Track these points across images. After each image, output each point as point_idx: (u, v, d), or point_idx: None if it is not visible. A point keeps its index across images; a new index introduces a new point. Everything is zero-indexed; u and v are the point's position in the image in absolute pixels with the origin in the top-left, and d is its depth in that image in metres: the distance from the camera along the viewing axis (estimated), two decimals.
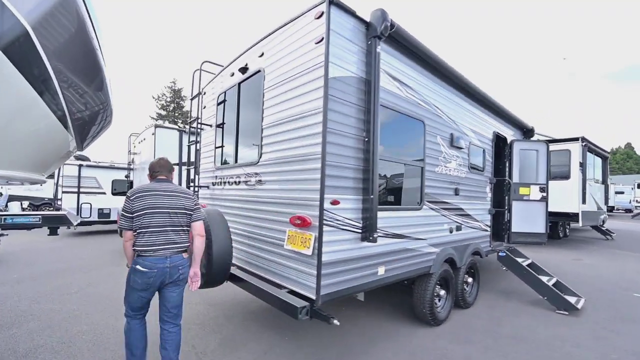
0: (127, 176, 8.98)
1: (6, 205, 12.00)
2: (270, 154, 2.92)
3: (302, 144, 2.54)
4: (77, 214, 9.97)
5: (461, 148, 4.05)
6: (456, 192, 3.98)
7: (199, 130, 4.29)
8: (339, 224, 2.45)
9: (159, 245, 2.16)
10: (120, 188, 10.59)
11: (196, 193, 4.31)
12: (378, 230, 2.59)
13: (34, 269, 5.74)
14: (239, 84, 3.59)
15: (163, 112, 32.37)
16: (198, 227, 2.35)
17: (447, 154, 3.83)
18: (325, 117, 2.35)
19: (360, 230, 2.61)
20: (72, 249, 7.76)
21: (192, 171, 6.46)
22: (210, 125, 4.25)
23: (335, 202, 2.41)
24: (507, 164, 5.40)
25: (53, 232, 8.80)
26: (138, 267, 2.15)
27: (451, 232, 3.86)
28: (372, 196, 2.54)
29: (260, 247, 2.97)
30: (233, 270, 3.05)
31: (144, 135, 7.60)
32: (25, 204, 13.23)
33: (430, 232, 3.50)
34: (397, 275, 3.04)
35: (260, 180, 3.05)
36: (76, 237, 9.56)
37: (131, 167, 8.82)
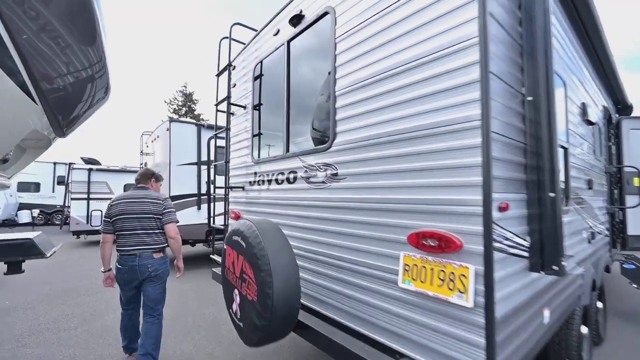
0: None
1: (16, 215, 11.38)
2: (353, 133, 1.85)
3: (431, 107, 1.46)
4: (87, 222, 9.18)
5: (592, 124, 2.91)
6: (589, 184, 2.83)
7: (230, 113, 3.26)
8: (509, 246, 1.37)
9: (130, 246, 2.46)
10: None
11: (226, 196, 3.30)
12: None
13: (31, 293, 4.85)
14: (288, 42, 2.54)
15: (175, 117, 32.08)
16: (168, 230, 2.57)
17: (581, 130, 2.69)
18: (485, 53, 1.27)
19: (527, 254, 1.52)
20: (80, 264, 6.90)
21: (212, 170, 5.49)
22: (244, 107, 3.22)
23: (504, 208, 1.33)
24: (613, 148, 4.20)
25: (14, 269, 6.95)
26: (116, 264, 2.52)
27: (589, 241, 2.73)
28: (551, 194, 1.45)
29: (339, 279, 1.91)
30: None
31: (158, 132, 6.69)
32: (36, 212, 12.65)
33: (577, 245, 2.38)
34: (558, 318, 1.93)
35: (335, 175, 1.99)
36: (86, 248, 8.76)
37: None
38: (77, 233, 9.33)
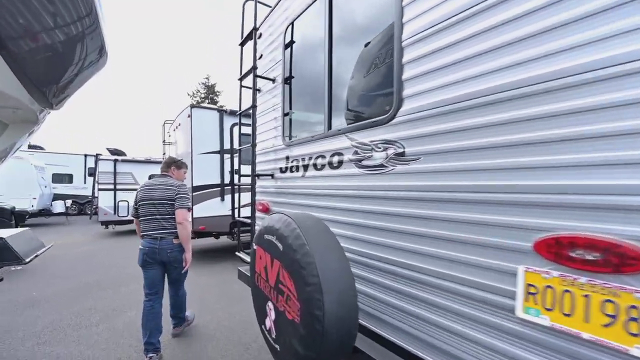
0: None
1: (51, 204, 11.78)
2: (431, 96, 1.32)
3: (587, 38, 0.91)
4: (115, 213, 9.25)
5: None
6: None
7: (256, 90, 2.81)
8: None
9: (151, 230, 2.63)
10: None
11: (252, 185, 2.88)
12: None
13: (57, 284, 4.76)
14: None
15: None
16: (177, 215, 2.64)
17: None
18: None
19: None
20: (107, 254, 6.87)
21: (236, 159, 5.13)
22: (272, 80, 2.76)
23: None
24: None
25: None
26: (139, 246, 2.70)
27: None
28: None
29: (407, 294, 1.42)
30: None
31: (179, 120, 6.42)
32: (69, 202, 13.09)
33: None
34: None
35: (400, 155, 1.48)
36: (114, 239, 8.84)
37: None
38: (106, 223, 9.46)
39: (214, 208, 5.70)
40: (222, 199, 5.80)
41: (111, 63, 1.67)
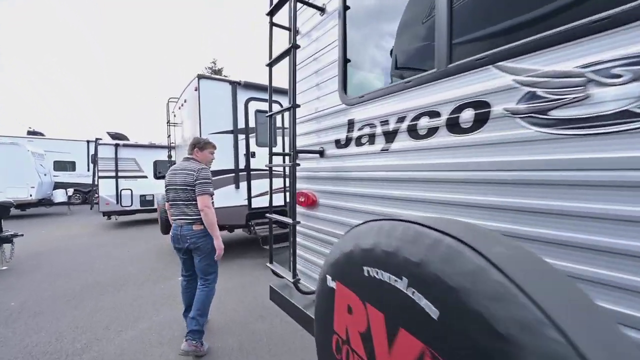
0: (169, 156, 7.15)
1: (51, 194, 11.15)
2: None
3: None
4: (117, 202, 8.53)
5: None
6: None
7: (294, 32, 1.88)
8: None
9: (176, 216, 2.52)
10: (165, 170, 8.93)
11: (292, 168, 2.01)
12: None
13: (46, 287, 4.03)
14: None
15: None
16: (199, 202, 2.44)
17: None
18: None
19: None
20: (108, 249, 6.15)
21: (252, 140, 4.25)
22: (321, 10, 1.83)
23: None
24: None
25: None
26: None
27: None
28: None
29: None
30: None
31: (185, 96, 5.53)
32: (71, 191, 12.47)
33: None
34: None
35: None
36: (117, 230, 8.15)
37: (172, 144, 6.94)
38: (108, 214, 8.75)
39: (228, 197, 4.87)
40: (237, 187, 4.96)
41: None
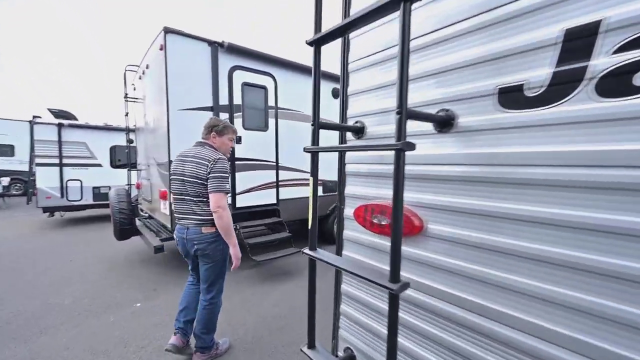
0: (129, 140, 5.76)
1: None
2: None
3: None
4: (62, 196, 6.97)
5: None
6: None
7: None
8: None
9: (181, 213, 2.07)
10: (125, 158, 7.41)
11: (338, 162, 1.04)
12: None
13: None
14: None
15: None
16: (211, 200, 1.94)
17: None
18: None
19: None
20: (42, 258, 4.77)
21: (237, 121, 3.21)
22: None
23: None
24: None
25: None
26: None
27: None
28: None
29: None
30: None
31: (147, 60, 4.25)
32: (6, 180, 10.44)
33: None
34: None
35: None
36: (60, 231, 6.60)
37: (133, 125, 5.57)
38: (50, 210, 7.16)
39: None
40: None
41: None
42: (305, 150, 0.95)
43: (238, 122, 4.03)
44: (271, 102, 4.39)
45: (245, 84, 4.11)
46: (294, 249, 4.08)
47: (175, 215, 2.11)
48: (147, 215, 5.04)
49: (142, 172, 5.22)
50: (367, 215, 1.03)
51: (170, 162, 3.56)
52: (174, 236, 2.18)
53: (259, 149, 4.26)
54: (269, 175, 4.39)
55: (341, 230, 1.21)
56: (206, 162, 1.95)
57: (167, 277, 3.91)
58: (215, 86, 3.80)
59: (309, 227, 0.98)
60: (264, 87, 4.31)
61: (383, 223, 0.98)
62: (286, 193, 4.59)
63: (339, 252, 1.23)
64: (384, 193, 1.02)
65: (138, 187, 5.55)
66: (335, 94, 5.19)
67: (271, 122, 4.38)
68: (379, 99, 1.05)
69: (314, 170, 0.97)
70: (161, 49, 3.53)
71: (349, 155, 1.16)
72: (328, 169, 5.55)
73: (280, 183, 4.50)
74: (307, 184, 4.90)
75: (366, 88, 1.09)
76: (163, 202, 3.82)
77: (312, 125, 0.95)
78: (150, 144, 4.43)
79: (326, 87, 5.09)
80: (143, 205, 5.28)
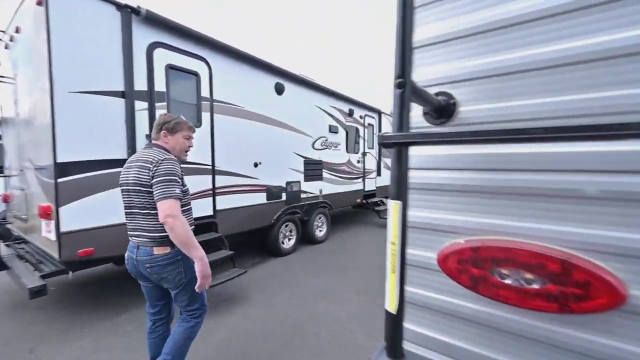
0: None
1: None
2: None
3: None
4: None
5: None
6: None
7: None
8: None
9: (131, 230, 1.75)
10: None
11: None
12: None
13: None
14: None
15: None
16: (159, 210, 1.59)
17: None
18: None
19: None
20: None
21: (158, 113, 2.46)
22: None
23: None
24: None
25: None
26: None
27: None
28: None
29: None
30: None
31: (18, 21, 3.02)
32: None
33: None
34: None
35: None
36: None
37: None
38: None
39: (108, 210, 2.77)
40: None
41: None
42: (383, 143, 0.47)
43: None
44: (205, 93, 3.61)
45: (172, 68, 3.27)
46: (238, 269, 3.39)
47: (128, 232, 1.78)
48: (20, 239, 3.64)
49: (13, 179, 3.77)
50: (478, 265, 0.58)
51: (56, 165, 2.52)
52: (126, 254, 1.82)
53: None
54: (203, 182, 3.60)
55: (401, 293, 0.70)
56: (149, 165, 1.63)
57: (58, 326, 2.79)
58: (128, 65, 2.87)
59: (389, 286, 0.49)
60: (195, 74, 3.51)
61: (532, 286, 0.53)
62: (225, 202, 3.85)
63: (395, 335, 0.72)
64: (505, 224, 0.58)
65: (6, 200, 4.03)
66: (279, 89, 4.66)
67: (205, 117, 3.61)
68: (488, 51, 0.62)
69: (400, 183, 0.49)
70: (40, 4, 2.48)
71: (418, 156, 0.70)
72: (273, 172, 4.98)
73: (217, 191, 3.74)
74: (250, 191, 4.23)
75: (457, 30, 0.65)
76: (46, 222, 2.70)
77: (399, 87, 0.47)
78: (26, 140, 3.17)
79: (268, 82, 4.53)
80: (14, 224, 3.81)
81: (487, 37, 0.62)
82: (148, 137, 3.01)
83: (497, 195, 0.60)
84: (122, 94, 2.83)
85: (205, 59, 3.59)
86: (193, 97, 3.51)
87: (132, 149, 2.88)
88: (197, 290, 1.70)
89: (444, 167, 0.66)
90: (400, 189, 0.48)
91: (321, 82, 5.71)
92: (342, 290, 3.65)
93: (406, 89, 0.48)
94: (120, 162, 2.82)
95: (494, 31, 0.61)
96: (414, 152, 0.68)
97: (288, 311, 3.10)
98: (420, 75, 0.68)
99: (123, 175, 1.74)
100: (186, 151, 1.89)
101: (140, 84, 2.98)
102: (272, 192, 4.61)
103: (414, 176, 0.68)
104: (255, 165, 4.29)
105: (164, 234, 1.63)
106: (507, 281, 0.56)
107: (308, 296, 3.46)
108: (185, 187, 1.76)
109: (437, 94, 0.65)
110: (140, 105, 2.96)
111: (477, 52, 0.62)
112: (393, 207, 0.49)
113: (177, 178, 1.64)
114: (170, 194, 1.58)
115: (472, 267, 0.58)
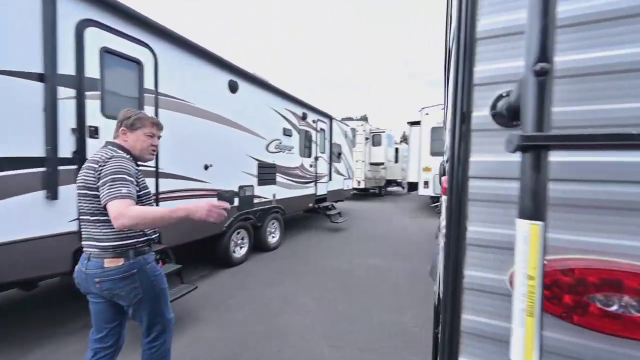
0: None
1: None
2: None
3: None
4: None
5: None
6: None
7: None
8: None
9: (83, 239, 1.54)
10: None
11: None
12: None
13: None
14: None
15: None
16: (110, 214, 1.36)
17: None
18: None
19: None
20: None
21: (92, 104, 2.46)
22: None
23: None
24: None
25: None
26: None
27: None
28: None
29: None
30: None
31: None
32: None
33: None
34: None
35: None
36: None
37: None
38: None
39: (26, 220, 2.21)
40: (53, 197, 2.35)
41: None
42: (520, 146, 0.37)
43: (94, 106, 2.65)
44: (149, 85, 3.16)
45: (107, 52, 2.77)
46: (187, 285, 3.01)
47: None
48: None
49: None
50: (573, 290, 0.52)
51: None
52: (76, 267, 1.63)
53: None
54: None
55: (455, 331, 0.60)
56: (94, 166, 1.46)
57: None
58: (49, 43, 2.33)
59: (522, 335, 0.39)
60: (137, 62, 3.05)
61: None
62: None
63: None
64: (609, 244, 0.55)
65: None
66: (233, 87, 4.36)
67: (148, 112, 3.15)
68: (581, 47, 0.55)
69: (538, 198, 0.40)
70: None
71: (478, 164, 0.63)
72: (226, 175, 4.60)
73: (161, 196, 3.29)
74: (199, 196, 3.82)
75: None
76: None
77: (541, 74, 0.38)
78: None
79: (221, 78, 4.20)
80: None
81: (581, 30, 0.57)
82: (75, 131, 2.50)
83: (584, 208, 0.56)
84: (39, 77, 2.29)
85: (149, 46, 3.15)
86: (134, 89, 3.04)
87: (52, 145, 2.34)
88: (215, 220, 1.49)
89: (511, 177, 0.60)
90: (537, 204, 0.40)
91: (298, 77, 5.52)
92: (300, 298, 3.52)
93: (548, 77, 0.40)
94: (34, 162, 2.28)
95: (590, 24, 0.56)
96: (476, 158, 0.61)
97: (246, 328, 2.84)
98: (491, 70, 0.62)
99: (77, 179, 1.56)
100: (151, 151, 1.69)
101: (67, 67, 2.45)
102: (223, 197, 4.24)
103: (474, 186, 0.62)
104: (206, 167, 3.91)
105: (117, 243, 1.48)
106: (613, 309, 0.52)
107: (266, 309, 3.24)
108: (145, 189, 1.61)
109: (510, 92, 0.60)
110: (66, 93, 2.43)
111: (567, 47, 0.58)
112: (531, 230, 0.40)
113: (125, 177, 1.44)
114: (115, 195, 1.38)
115: (565, 292, 0.53)
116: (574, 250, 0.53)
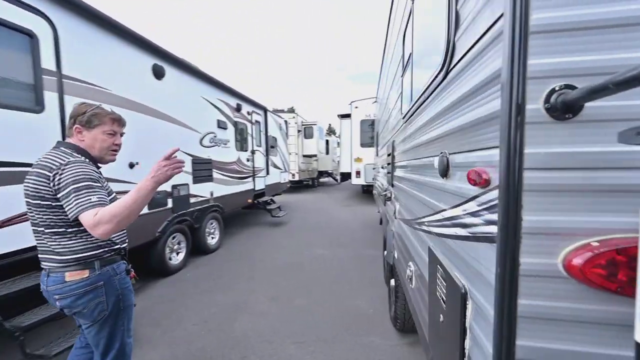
0: None
1: None
2: None
3: None
4: None
5: None
6: None
7: None
8: None
9: (40, 253, 1.38)
10: None
11: None
12: None
13: None
14: None
15: None
16: (86, 223, 1.23)
17: None
18: None
19: None
20: None
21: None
22: None
23: None
24: None
25: None
26: None
27: None
28: None
29: None
30: None
31: None
32: None
33: None
34: None
35: None
36: None
37: None
38: None
39: None
40: None
41: None
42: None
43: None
44: (49, 66, 2.51)
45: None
46: None
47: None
48: None
49: None
50: (631, 266, 0.56)
51: None
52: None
53: (25, 144, 2.32)
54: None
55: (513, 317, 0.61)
56: (47, 173, 1.28)
57: None
58: None
59: None
60: (29, 34, 2.38)
61: None
62: None
63: None
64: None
65: None
66: (158, 72, 3.81)
67: (51, 99, 2.52)
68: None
69: None
70: None
71: (538, 154, 0.63)
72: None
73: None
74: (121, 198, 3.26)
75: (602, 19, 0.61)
76: None
77: None
78: None
79: (144, 62, 3.63)
80: None
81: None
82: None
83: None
84: None
85: (46, 15, 2.49)
86: (27, 69, 2.37)
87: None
88: (173, 171, 1.34)
89: (567, 167, 0.64)
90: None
91: (281, 73, 5.04)
92: (254, 300, 3.38)
93: None
94: None
95: None
96: (531, 150, 0.64)
97: (200, 342, 2.59)
98: (543, 65, 0.64)
99: (24, 184, 1.36)
100: (113, 151, 1.52)
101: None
102: (154, 199, 3.74)
103: (529, 177, 0.65)
104: (131, 166, 3.35)
105: (81, 255, 1.34)
106: None
107: (218, 317, 3.00)
108: (111, 194, 1.51)
109: (563, 87, 0.64)
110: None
111: (619, 45, 0.62)
112: None
113: (89, 183, 1.29)
114: (86, 205, 1.24)
115: (621, 269, 0.60)
116: (621, 231, 0.62)
